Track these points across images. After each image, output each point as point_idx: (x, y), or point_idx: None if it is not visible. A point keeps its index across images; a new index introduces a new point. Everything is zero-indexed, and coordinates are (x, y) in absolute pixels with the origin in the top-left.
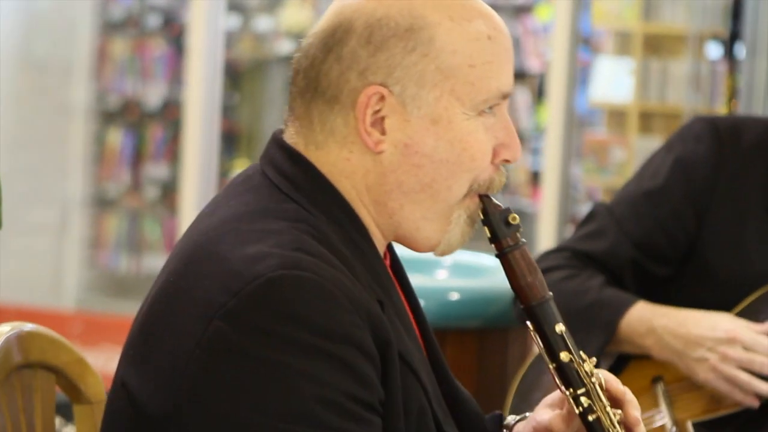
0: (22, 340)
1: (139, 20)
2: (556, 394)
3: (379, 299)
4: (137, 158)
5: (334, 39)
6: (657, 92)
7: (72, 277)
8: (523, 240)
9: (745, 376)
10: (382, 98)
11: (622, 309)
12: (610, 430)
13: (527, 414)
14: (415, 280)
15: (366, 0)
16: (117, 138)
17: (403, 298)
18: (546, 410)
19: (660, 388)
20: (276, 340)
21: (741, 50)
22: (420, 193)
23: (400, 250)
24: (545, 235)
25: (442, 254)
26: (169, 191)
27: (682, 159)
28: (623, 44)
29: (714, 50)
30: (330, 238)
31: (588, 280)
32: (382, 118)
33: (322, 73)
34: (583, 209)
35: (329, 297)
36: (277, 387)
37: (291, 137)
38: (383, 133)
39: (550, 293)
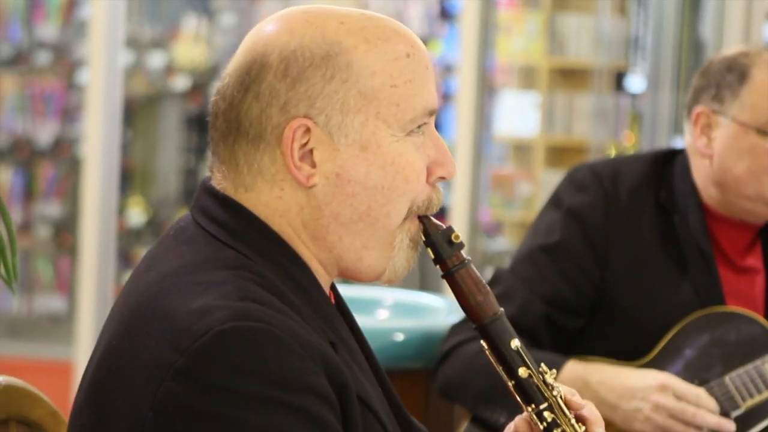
0: None
1: (28, 57)
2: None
3: (330, 341)
4: (28, 197)
5: (250, 77)
6: (563, 126)
7: None
8: (468, 258)
9: (678, 428)
10: (307, 131)
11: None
12: None
13: None
14: (358, 320)
15: (276, 33)
16: (7, 176)
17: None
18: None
19: None
20: (231, 396)
21: (643, 83)
22: (358, 222)
23: (340, 290)
24: None
25: (389, 282)
26: (61, 230)
27: (573, 210)
28: (528, 78)
29: (617, 84)
30: (273, 283)
31: None
32: (311, 151)
33: (242, 113)
34: (491, 244)
35: (281, 345)
36: None
37: (219, 183)
38: (313, 166)
39: (501, 309)
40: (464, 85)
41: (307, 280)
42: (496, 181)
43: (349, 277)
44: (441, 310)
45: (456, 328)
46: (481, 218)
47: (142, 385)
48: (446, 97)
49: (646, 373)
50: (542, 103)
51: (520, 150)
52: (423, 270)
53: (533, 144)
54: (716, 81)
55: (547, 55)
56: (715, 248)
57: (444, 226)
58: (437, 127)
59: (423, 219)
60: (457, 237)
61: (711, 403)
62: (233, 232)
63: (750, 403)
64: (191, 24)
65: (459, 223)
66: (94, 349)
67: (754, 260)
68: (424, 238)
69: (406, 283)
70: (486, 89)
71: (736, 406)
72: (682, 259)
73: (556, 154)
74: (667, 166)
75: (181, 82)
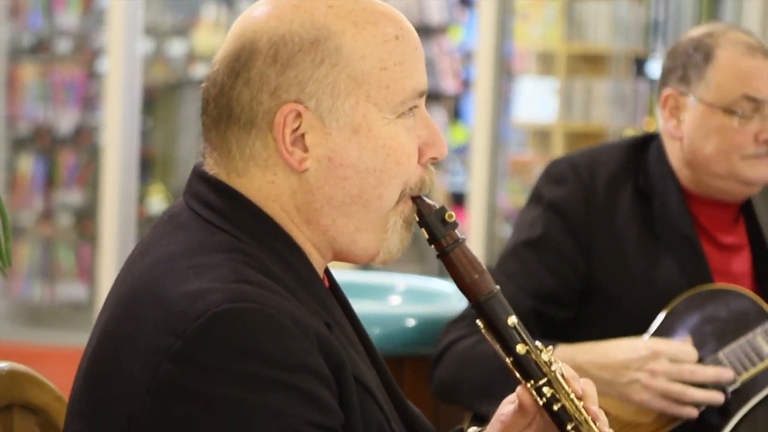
0: (1, 380)
1: (49, 45)
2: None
3: (325, 321)
4: (49, 185)
5: (240, 63)
6: (581, 112)
7: None
8: (463, 237)
9: (678, 387)
10: (298, 115)
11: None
12: (577, 416)
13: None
14: (370, 306)
15: (265, 19)
16: (28, 165)
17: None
18: (508, 406)
19: None
20: (229, 377)
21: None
22: (351, 205)
23: (352, 276)
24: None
25: (383, 262)
26: (82, 218)
27: (553, 203)
28: (546, 64)
29: (637, 69)
30: (267, 265)
31: None
32: (302, 135)
33: (233, 100)
34: (510, 231)
35: (277, 326)
36: (236, 425)
37: (212, 168)
38: (305, 150)
39: (497, 287)
40: (483, 72)
41: (301, 263)
42: (514, 167)
43: (343, 260)
44: (453, 295)
45: (448, 328)
46: (500, 204)
47: (139, 369)
48: (465, 83)
49: (635, 343)
50: (561, 89)
51: (539, 136)
52: None
53: (552, 130)
54: (682, 62)
55: (565, 40)
56: (697, 228)
57: (437, 206)
58: (456, 113)
59: (416, 199)
60: (450, 216)
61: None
62: (226, 217)
63: (746, 376)
64: (211, 12)
65: (477, 209)
66: (91, 335)
67: (738, 237)
68: (417, 219)
69: (425, 270)
70: (504, 75)
71: (733, 381)
72: (666, 242)
73: (575, 140)
74: (642, 152)
75: (201, 70)
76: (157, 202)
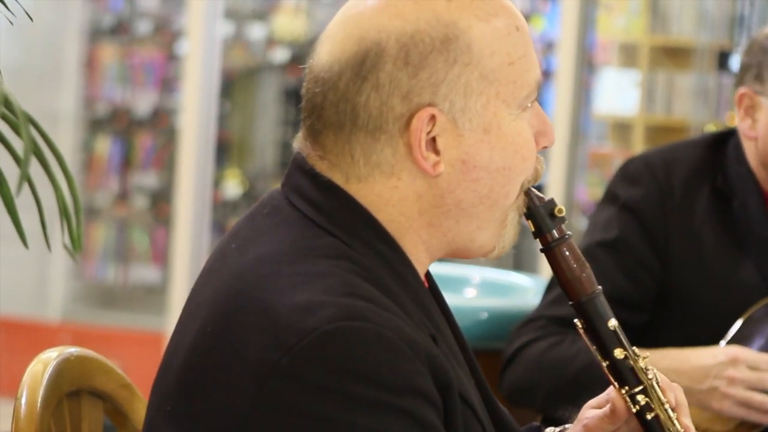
0: (70, 366)
1: (128, 27)
2: (601, 395)
3: (431, 334)
4: (125, 167)
5: (366, 66)
6: (663, 105)
7: (58, 287)
8: (569, 233)
9: (758, 397)
10: (432, 118)
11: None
12: (669, 427)
13: (567, 426)
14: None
15: (387, 18)
16: (105, 146)
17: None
18: (591, 411)
19: None
20: (338, 397)
21: None
22: (478, 206)
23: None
24: None
25: (496, 257)
26: (158, 200)
27: (628, 204)
28: (629, 56)
29: (721, 63)
30: (375, 274)
31: (572, 345)
32: (433, 139)
33: (359, 105)
34: (585, 223)
35: (390, 346)
36: None
37: (325, 172)
38: (437, 153)
39: (600, 287)
40: (564, 63)
41: (407, 270)
42: (594, 160)
43: (456, 256)
44: (529, 289)
45: (518, 331)
46: (578, 197)
47: (244, 381)
48: (547, 74)
49: (714, 350)
50: (643, 82)
51: (620, 128)
52: (518, 249)
53: (633, 123)
54: (757, 60)
55: (648, 32)
56: None
57: (546, 199)
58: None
59: (527, 192)
60: (560, 211)
61: None
62: (333, 219)
63: None
64: None
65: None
66: (182, 327)
67: None
68: (525, 211)
69: (500, 263)
70: (586, 67)
71: None
72: (745, 245)
73: (656, 133)
74: (721, 149)
75: (280, 55)
76: (233, 187)
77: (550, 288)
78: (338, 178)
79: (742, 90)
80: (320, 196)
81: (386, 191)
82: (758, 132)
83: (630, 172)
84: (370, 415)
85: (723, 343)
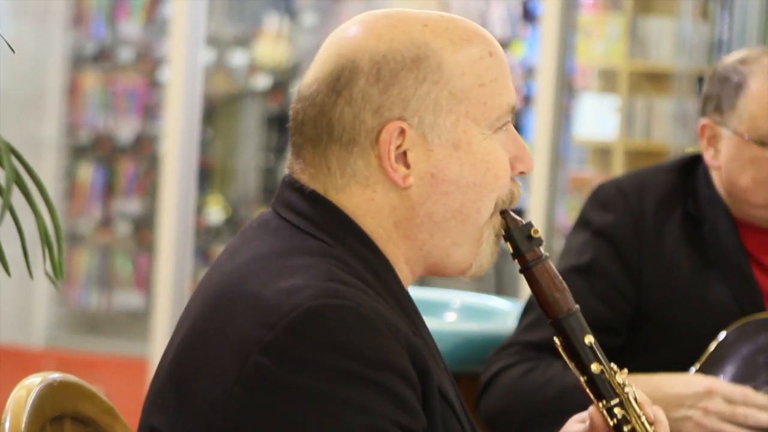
0: (54, 391)
1: (111, 54)
2: (585, 412)
3: (412, 330)
4: (108, 193)
5: (341, 82)
6: (642, 129)
7: (42, 313)
8: (546, 253)
9: (731, 429)
10: (402, 132)
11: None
12: None
13: None
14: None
15: (363, 38)
16: (88, 173)
17: None
18: (577, 425)
19: None
20: (319, 370)
21: None
22: (450, 220)
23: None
24: None
25: (474, 276)
26: (140, 227)
27: (601, 229)
28: (609, 81)
29: (700, 87)
30: (359, 272)
31: (546, 369)
32: (404, 153)
33: (334, 119)
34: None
35: (369, 324)
36: (323, 418)
37: (306, 183)
38: (407, 167)
39: (577, 306)
40: (544, 88)
41: (389, 275)
42: (574, 184)
43: (434, 274)
44: (509, 313)
45: (494, 357)
46: (559, 221)
47: (228, 360)
48: (527, 99)
49: (691, 379)
50: (622, 106)
51: (600, 153)
52: (499, 273)
53: (612, 147)
54: (716, 92)
55: (628, 57)
56: (747, 254)
57: (523, 221)
58: (517, 128)
59: (504, 213)
60: (536, 232)
61: (760, 399)
62: (319, 226)
63: None
64: (273, 23)
65: (536, 225)
66: (171, 341)
67: None
68: (504, 233)
69: (481, 287)
70: (566, 91)
71: None
72: (718, 269)
73: (636, 157)
74: (690, 174)
75: (262, 81)
76: (216, 213)
77: (525, 313)
78: (319, 189)
79: (704, 121)
80: (306, 205)
81: (363, 203)
82: (721, 162)
83: (601, 198)
84: (349, 386)
85: (696, 366)
